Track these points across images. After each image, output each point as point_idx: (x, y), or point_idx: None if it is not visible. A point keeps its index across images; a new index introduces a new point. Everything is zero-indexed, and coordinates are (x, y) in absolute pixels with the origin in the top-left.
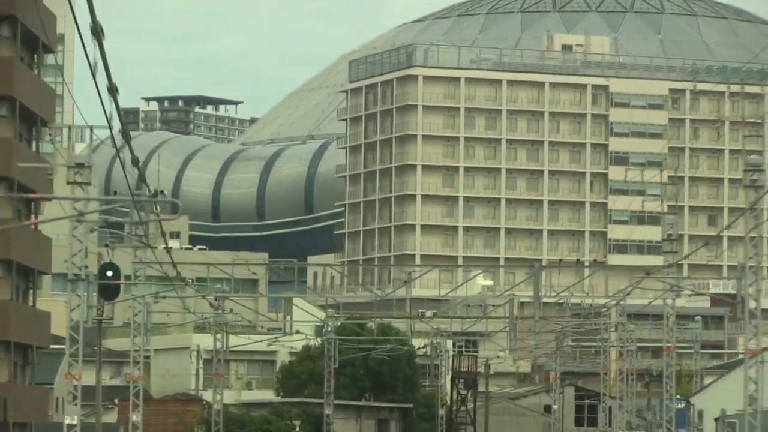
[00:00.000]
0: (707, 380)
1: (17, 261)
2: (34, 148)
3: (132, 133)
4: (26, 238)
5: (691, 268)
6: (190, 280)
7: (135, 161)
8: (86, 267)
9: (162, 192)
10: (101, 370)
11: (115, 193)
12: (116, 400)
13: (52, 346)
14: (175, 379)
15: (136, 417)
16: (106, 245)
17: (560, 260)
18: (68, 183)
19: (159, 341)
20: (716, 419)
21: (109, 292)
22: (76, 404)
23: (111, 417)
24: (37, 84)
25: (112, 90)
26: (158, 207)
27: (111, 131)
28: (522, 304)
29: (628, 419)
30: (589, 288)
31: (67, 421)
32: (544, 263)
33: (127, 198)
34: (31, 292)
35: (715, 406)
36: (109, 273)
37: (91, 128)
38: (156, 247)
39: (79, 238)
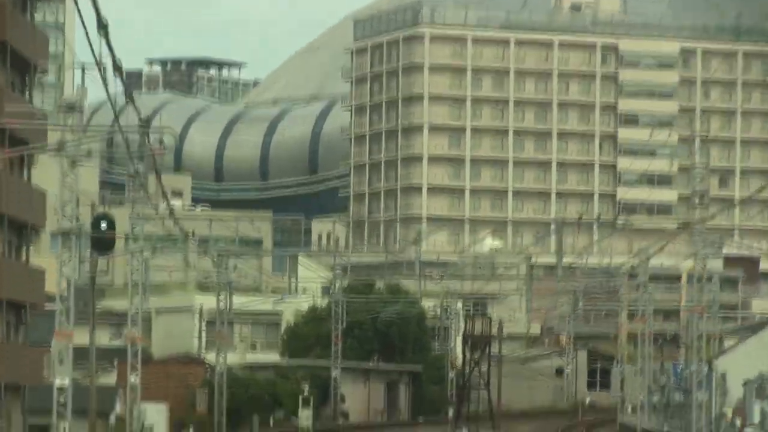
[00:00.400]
0: (727, 343)
1: (9, 215)
2: (27, 96)
3: (134, 94)
4: (19, 192)
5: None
6: (190, 233)
7: (128, 94)
8: (77, 219)
9: (162, 143)
10: (98, 331)
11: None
12: (116, 362)
13: (47, 306)
14: (177, 340)
15: (134, 379)
16: (102, 200)
17: (580, 217)
18: (58, 126)
19: (160, 301)
20: (744, 383)
21: (103, 245)
22: (67, 365)
23: (111, 379)
24: (30, 29)
25: None
26: (150, 138)
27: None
28: (532, 267)
29: (649, 384)
30: (604, 249)
31: (57, 383)
32: (552, 225)
33: (114, 129)
34: (24, 248)
35: (738, 368)
36: (103, 225)
37: (83, 68)
38: (156, 208)
39: (71, 187)
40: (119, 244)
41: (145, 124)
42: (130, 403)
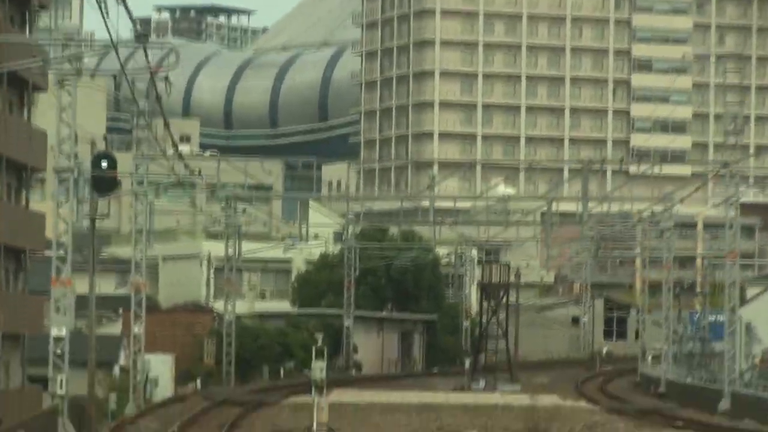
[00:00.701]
0: (750, 292)
1: (8, 156)
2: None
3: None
4: (18, 131)
5: (716, 178)
6: (197, 170)
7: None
8: (76, 157)
9: (167, 82)
10: (103, 279)
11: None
12: (121, 310)
13: (48, 252)
14: (184, 288)
15: (138, 328)
16: (104, 137)
17: (603, 160)
18: (55, 59)
19: (167, 249)
20: None
21: (103, 185)
22: (65, 314)
23: (117, 329)
24: None
25: None
26: (150, 55)
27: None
28: (543, 214)
29: (671, 333)
30: (619, 196)
31: (54, 333)
32: (565, 172)
33: (108, 44)
34: (24, 191)
35: (763, 317)
36: (104, 164)
37: None
38: (164, 151)
39: (68, 122)
40: (125, 186)
41: (143, 37)
42: (134, 353)
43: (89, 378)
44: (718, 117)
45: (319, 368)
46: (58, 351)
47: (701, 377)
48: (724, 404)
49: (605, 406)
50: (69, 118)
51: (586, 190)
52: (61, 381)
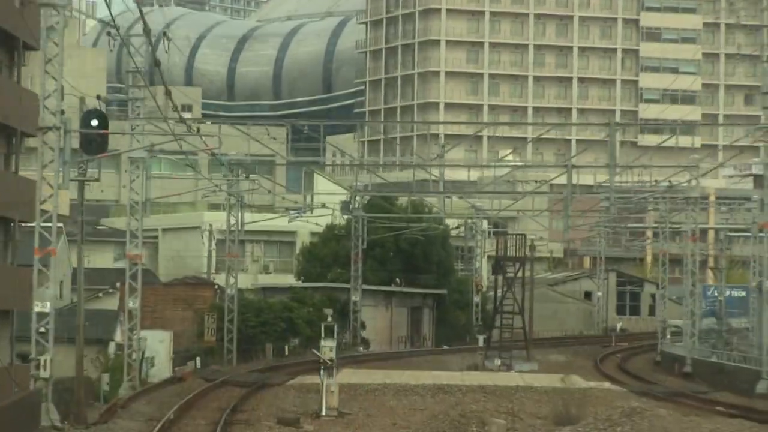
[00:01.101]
0: None
1: None
2: None
3: (144, 9)
4: (8, 94)
5: (727, 150)
6: (196, 128)
7: None
8: (63, 112)
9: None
10: (102, 252)
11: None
12: (117, 284)
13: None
14: (185, 261)
15: (133, 303)
16: (98, 96)
17: (625, 123)
18: (41, 4)
19: (168, 220)
20: None
21: (93, 145)
22: (48, 287)
23: (114, 303)
24: None
25: None
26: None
27: None
28: (552, 186)
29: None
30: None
31: (37, 309)
32: (573, 143)
33: None
34: (13, 157)
35: None
36: (94, 122)
37: None
38: (164, 114)
39: (54, 74)
40: (123, 157)
41: None
42: (129, 330)
43: (77, 356)
44: (728, 88)
45: (328, 347)
46: (42, 329)
47: (729, 357)
48: (763, 386)
49: (633, 387)
50: (55, 71)
51: (614, 153)
52: (45, 362)
